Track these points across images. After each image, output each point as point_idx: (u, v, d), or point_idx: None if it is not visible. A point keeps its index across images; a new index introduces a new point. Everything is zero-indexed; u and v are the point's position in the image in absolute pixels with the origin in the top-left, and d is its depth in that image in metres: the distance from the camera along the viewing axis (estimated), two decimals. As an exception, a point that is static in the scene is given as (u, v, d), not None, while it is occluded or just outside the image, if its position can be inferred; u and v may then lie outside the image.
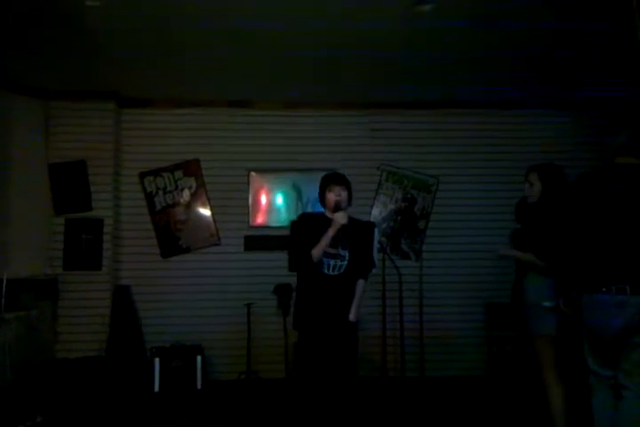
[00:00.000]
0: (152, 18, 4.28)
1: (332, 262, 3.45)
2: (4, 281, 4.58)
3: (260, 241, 6.09)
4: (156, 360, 5.38)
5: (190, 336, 5.73)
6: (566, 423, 3.26)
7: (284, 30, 4.46)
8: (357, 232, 3.55)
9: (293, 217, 5.87)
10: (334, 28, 4.44)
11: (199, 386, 5.38)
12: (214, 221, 6.14)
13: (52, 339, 5.63)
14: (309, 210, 5.99)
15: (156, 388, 5.32)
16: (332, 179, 3.60)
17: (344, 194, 3.53)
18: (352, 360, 3.54)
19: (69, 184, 5.85)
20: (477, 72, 5.42)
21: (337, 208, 3.48)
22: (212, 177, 6.18)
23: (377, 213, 6.22)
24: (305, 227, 3.57)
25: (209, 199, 6.18)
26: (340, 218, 3.41)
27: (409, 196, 6.24)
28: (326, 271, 3.45)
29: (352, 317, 3.49)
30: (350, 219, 3.53)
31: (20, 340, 4.71)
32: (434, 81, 5.67)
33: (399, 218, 6.23)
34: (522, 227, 3.57)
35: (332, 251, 3.44)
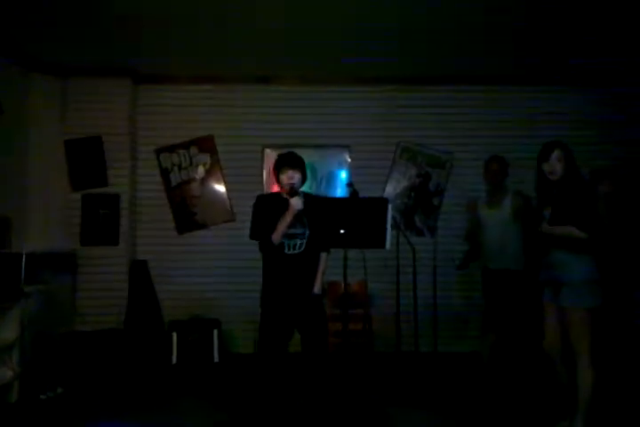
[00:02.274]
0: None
1: (291, 242, 3.57)
2: (24, 255, 4.67)
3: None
4: (174, 334, 5.48)
5: (208, 310, 5.84)
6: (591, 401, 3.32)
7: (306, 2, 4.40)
8: (314, 209, 3.59)
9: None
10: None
11: (216, 359, 5.49)
12: (229, 197, 6.19)
13: (71, 312, 5.74)
14: (324, 187, 6.01)
15: (174, 360, 5.44)
16: (285, 161, 3.63)
17: (297, 177, 3.59)
18: (322, 332, 3.65)
19: (86, 160, 5.90)
20: (498, 47, 5.37)
21: (292, 193, 3.54)
22: (226, 153, 6.19)
23: (391, 189, 6.22)
24: (263, 209, 3.63)
25: (224, 176, 6.21)
26: (295, 204, 3.49)
27: (423, 172, 6.21)
28: (287, 251, 3.57)
29: (316, 289, 3.64)
30: (307, 196, 3.62)
31: (40, 312, 4.80)
32: (452, 56, 5.61)
33: (413, 194, 6.22)
34: (553, 205, 3.50)
35: (290, 231, 3.54)
